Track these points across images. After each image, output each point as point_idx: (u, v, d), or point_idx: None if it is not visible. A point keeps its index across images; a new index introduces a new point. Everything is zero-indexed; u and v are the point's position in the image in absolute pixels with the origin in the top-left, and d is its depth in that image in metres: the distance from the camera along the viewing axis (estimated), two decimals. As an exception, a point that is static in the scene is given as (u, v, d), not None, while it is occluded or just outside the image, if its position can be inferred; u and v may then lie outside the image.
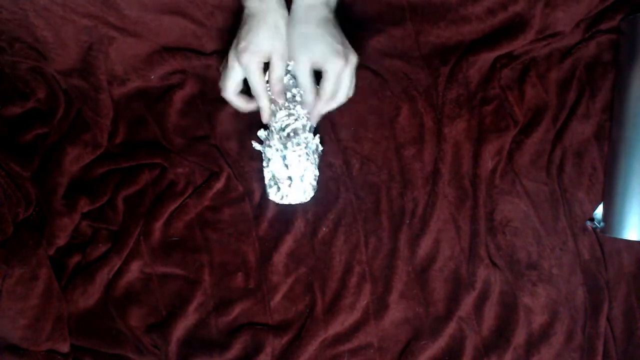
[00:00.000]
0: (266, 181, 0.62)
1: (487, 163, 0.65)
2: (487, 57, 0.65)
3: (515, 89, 0.66)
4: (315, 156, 0.63)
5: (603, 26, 0.65)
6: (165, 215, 0.66)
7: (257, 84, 0.58)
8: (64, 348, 0.64)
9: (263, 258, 0.66)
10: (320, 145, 0.63)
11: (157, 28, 0.64)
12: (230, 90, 0.59)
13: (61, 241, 0.66)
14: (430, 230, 0.65)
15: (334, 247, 0.65)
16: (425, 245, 0.65)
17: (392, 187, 0.66)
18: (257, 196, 0.66)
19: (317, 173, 0.63)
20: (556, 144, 0.65)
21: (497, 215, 0.65)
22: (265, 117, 0.61)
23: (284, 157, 0.61)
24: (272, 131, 0.61)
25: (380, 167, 0.66)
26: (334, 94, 0.58)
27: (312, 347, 0.64)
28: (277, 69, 0.58)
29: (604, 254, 0.65)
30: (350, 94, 0.60)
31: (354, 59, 0.57)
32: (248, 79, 0.58)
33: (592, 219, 0.65)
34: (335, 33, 0.57)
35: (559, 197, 0.65)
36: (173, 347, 0.65)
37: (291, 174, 0.61)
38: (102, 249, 0.67)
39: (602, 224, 0.64)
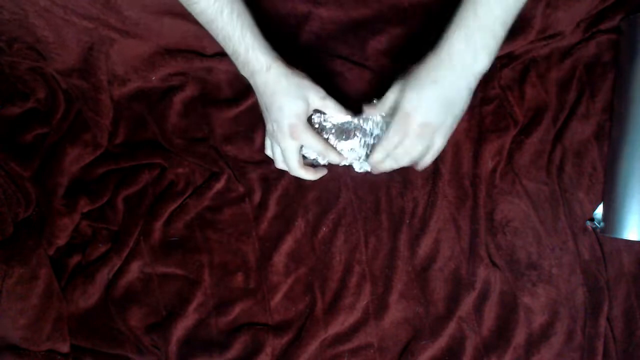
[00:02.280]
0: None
1: (487, 163, 0.65)
2: (487, 57, 0.65)
3: (515, 89, 0.66)
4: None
5: (603, 26, 0.65)
6: (165, 215, 0.66)
7: (291, 159, 0.56)
8: (64, 348, 0.64)
9: (263, 258, 0.66)
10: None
11: (158, 29, 0.64)
12: (296, 165, 0.57)
13: (61, 241, 0.66)
14: (430, 230, 0.65)
15: (334, 247, 0.65)
16: (425, 245, 0.65)
17: (392, 187, 0.66)
18: (257, 196, 0.66)
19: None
20: (556, 144, 0.65)
21: (497, 215, 0.65)
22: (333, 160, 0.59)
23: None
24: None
25: (380, 167, 0.66)
26: (390, 151, 0.55)
27: (312, 347, 0.64)
28: (329, 106, 0.56)
29: (604, 254, 0.65)
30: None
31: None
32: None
33: (592, 219, 0.65)
34: (444, 110, 0.51)
35: (559, 197, 0.65)
36: (173, 347, 0.65)
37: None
38: (102, 249, 0.67)
39: (602, 224, 0.64)
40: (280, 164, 0.59)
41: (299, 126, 0.54)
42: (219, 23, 0.52)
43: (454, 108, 0.51)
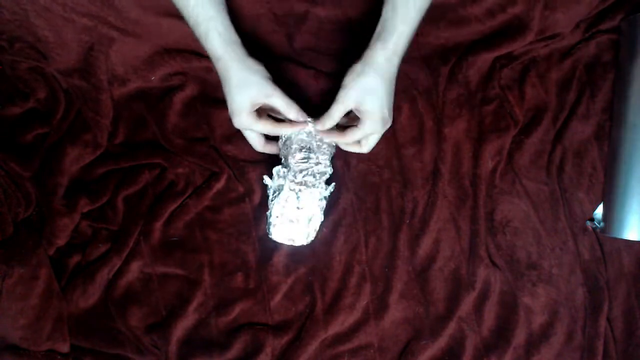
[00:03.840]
0: (271, 219, 0.61)
1: (487, 163, 0.65)
2: (486, 58, 0.65)
3: (515, 89, 0.66)
4: (324, 203, 0.62)
5: (603, 26, 0.65)
6: (165, 215, 0.66)
7: (250, 138, 0.61)
8: (64, 348, 0.64)
9: (263, 258, 0.66)
10: (329, 192, 0.62)
11: (157, 30, 0.64)
12: (259, 145, 0.61)
13: (61, 241, 0.66)
14: (430, 230, 0.65)
15: (334, 247, 0.65)
16: (425, 245, 0.65)
17: (392, 187, 0.66)
18: (257, 196, 0.66)
19: (322, 219, 0.62)
20: (556, 144, 0.65)
21: (497, 215, 0.65)
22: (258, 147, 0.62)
23: (298, 198, 0.60)
24: (290, 170, 0.60)
25: (380, 167, 0.66)
26: (356, 142, 0.59)
27: (312, 347, 0.64)
28: (276, 104, 0.57)
29: (604, 254, 0.65)
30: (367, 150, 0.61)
31: (388, 125, 0.57)
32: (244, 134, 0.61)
33: (592, 219, 0.65)
34: (391, 94, 0.57)
35: (559, 197, 0.65)
36: (173, 347, 0.65)
37: (301, 215, 0.61)
38: (102, 249, 0.67)
39: (602, 224, 0.64)
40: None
41: (244, 118, 0.57)
42: (186, 11, 0.56)
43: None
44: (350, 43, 0.66)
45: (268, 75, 0.57)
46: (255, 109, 0.57)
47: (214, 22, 0.55)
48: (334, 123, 0.58)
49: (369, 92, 0.55)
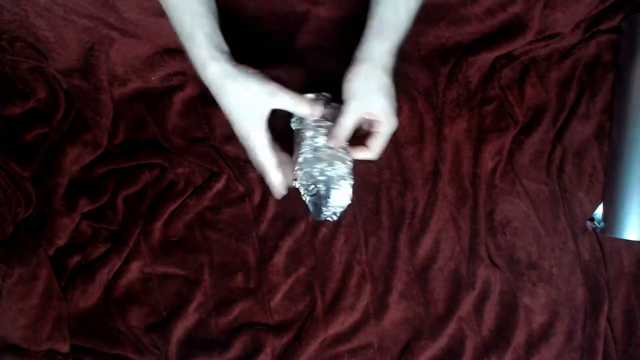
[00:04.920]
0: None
1: (487, 163, 0.65)
2: (486, 57, 0.65)
3: (515, 89, 0.66)
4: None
5: (603, 26, 0.65)
6: (165, 215, 0.66)
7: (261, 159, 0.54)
8: (64, 348, 0.65)
9: (263, 258, 0.66)
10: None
11: (158, 30, 0.64)
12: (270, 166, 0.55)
13: (61, 241, 0.66)
14: (430, 230, 0.65)
15: (334, 247, 0.65)
16: (425, 245, 0.65)
17: (392, 187, 0.66)
18: (257, 196, 0.66)
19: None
20: (556, 144, 0.65)
21: (497, 215, 0.65)
22: (276, 193, 0.56)
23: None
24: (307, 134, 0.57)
25: (380, 167, 0.66)
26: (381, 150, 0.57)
27: (312, 347, 0.64)
28: (284, 103, 0.52)
29: (604, 254, 0.65)
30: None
31: (396, 119, 0.56)
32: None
33: (592, 219, 0.65)
34: (394, 88, 0.55)
35: (559, 197, 0.65)
36: (173, 347, 0.65)
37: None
38: (102, 249, 0.67)
39: (602, 224, 0.64)
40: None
41: (258, 130, 0.52)
42: (169, 13, 0.52)
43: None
44: (352, 43, 0.66)
45: (264, 75, 0.52)
46: (266, 118, 0.52)
47: (202, 22, 0.51)
48: (348, 134, 0.55)
49: (381, 91, 0.54)
